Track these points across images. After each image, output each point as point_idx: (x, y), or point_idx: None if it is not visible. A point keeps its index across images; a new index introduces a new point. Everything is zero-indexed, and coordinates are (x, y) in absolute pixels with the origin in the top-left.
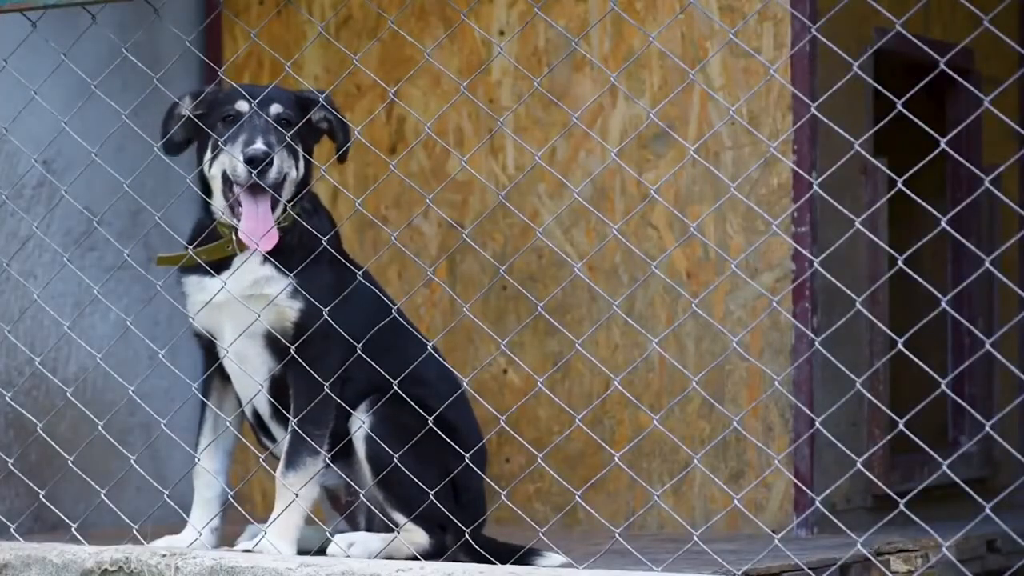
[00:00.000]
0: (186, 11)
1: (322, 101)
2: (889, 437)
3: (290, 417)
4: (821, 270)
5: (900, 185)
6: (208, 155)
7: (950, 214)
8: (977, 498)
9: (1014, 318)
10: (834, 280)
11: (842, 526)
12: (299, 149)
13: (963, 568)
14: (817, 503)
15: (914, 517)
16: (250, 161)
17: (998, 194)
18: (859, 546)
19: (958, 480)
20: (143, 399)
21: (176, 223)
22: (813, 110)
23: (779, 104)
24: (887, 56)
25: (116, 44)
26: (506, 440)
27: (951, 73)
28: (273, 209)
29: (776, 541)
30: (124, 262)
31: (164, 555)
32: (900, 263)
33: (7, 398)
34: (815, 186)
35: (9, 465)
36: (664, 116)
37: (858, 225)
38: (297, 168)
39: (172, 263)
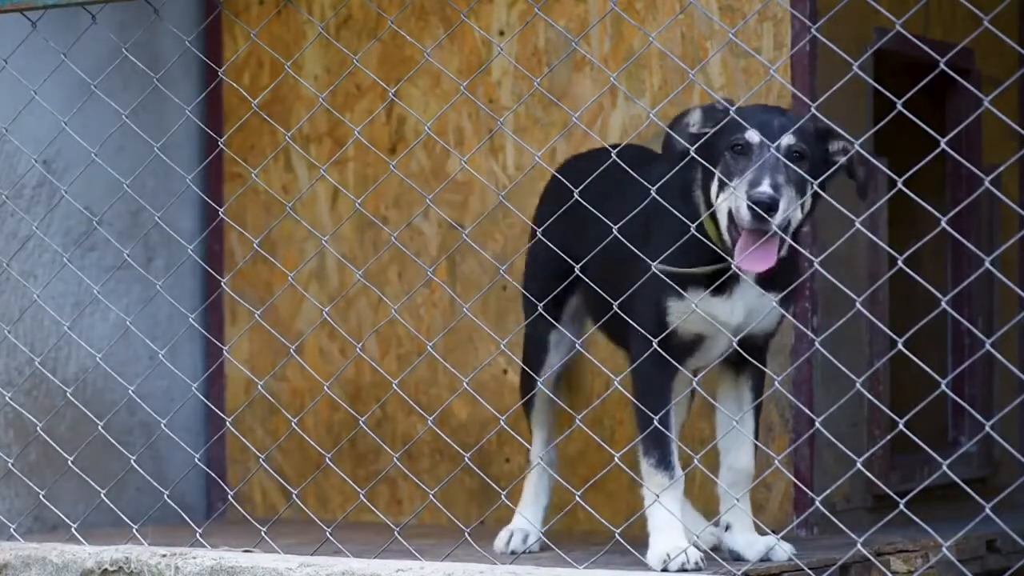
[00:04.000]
0: (186, 11)
1: (855, 145)
2: (889, 437)
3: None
4: (821, 270)
5: (900, 185)
6: (715, 184)
7: (950, 214)
8: (977, 498)
9: (1014, 318)
10: (834, 280)
11: (842, 526)
12: (807, 187)
13: (963, 568)
14: (817, 503)
15: (914, 517)
16: (755, 204)
17: (998, 194)
18: (859, 546)
19: (958, 480)
20: (143, 399)
21: (176, 223)
22: (813, 110)
23: (779, 104)
24: (887, 56)
25: (116, 44)
26: (506, 440)
27: (951, 73)
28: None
29: (776, 541)
30: (124, 262)
31: (164, 555)
32: (900, 263)
33: (7, 398)
34: (814, 186)
35: (9, 465)
36: (664, 116)
37: (858, 225)
38: (803, 207)
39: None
